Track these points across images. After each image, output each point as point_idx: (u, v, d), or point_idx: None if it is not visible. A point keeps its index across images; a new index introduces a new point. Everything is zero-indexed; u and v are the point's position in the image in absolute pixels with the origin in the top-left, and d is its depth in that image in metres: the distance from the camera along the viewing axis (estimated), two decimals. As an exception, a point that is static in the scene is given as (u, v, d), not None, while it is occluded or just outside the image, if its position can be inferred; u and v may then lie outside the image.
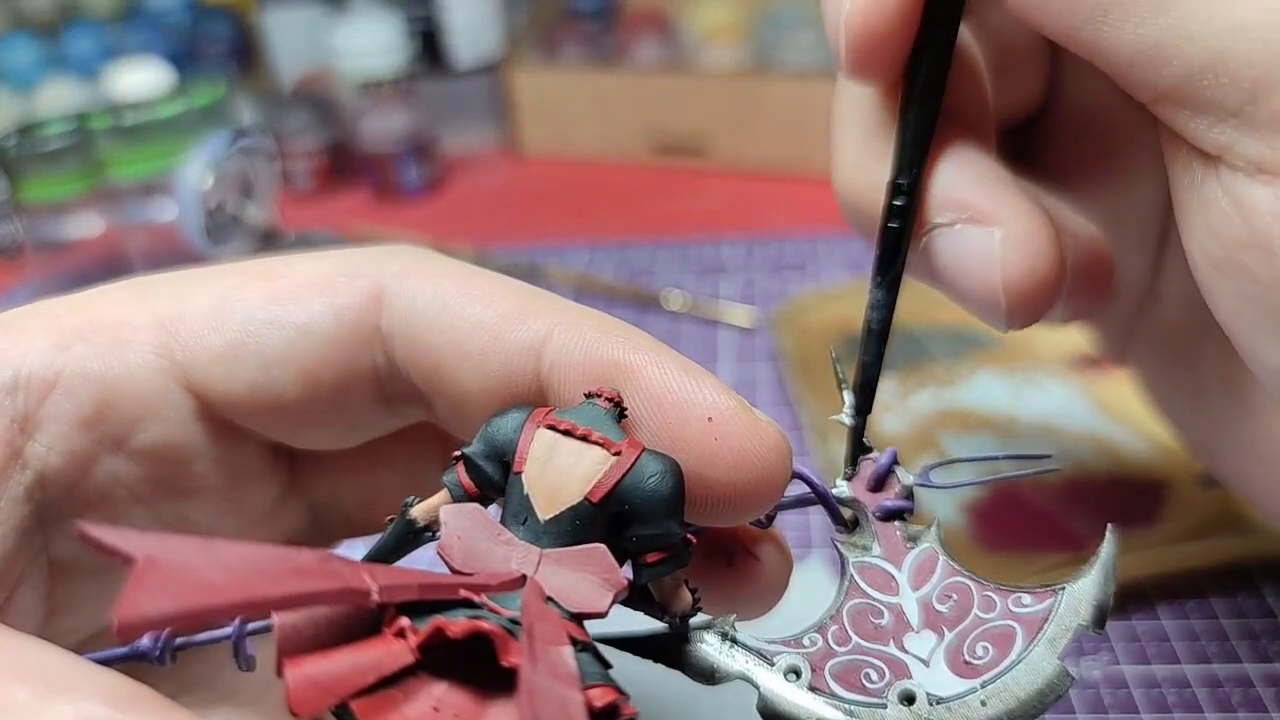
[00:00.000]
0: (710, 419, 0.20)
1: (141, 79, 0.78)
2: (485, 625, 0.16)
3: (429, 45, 0.85)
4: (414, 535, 0.20)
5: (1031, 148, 0.33)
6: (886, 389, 0.50)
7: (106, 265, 0.64)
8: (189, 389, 0.22)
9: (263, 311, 0.21)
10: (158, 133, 0.63)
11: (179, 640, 0.18)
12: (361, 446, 0.24)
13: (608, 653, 0.19)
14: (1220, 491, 0.42)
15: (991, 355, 0.52)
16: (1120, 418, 0.47)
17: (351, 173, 0.84)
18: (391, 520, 0.20)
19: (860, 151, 0.28)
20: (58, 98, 0.86)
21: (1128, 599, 0.40)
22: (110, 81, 0.81)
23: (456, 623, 0.16)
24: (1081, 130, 0.32)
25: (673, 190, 0.80)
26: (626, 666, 0.20)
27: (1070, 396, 0.49)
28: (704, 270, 0.68)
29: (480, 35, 0.86)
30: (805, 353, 0.54)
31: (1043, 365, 0.51)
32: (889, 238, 0.26)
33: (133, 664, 0.19)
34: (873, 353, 0.26)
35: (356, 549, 0.22)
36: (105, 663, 0.17)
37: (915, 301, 0.55)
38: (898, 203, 0.26)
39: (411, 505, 0.20)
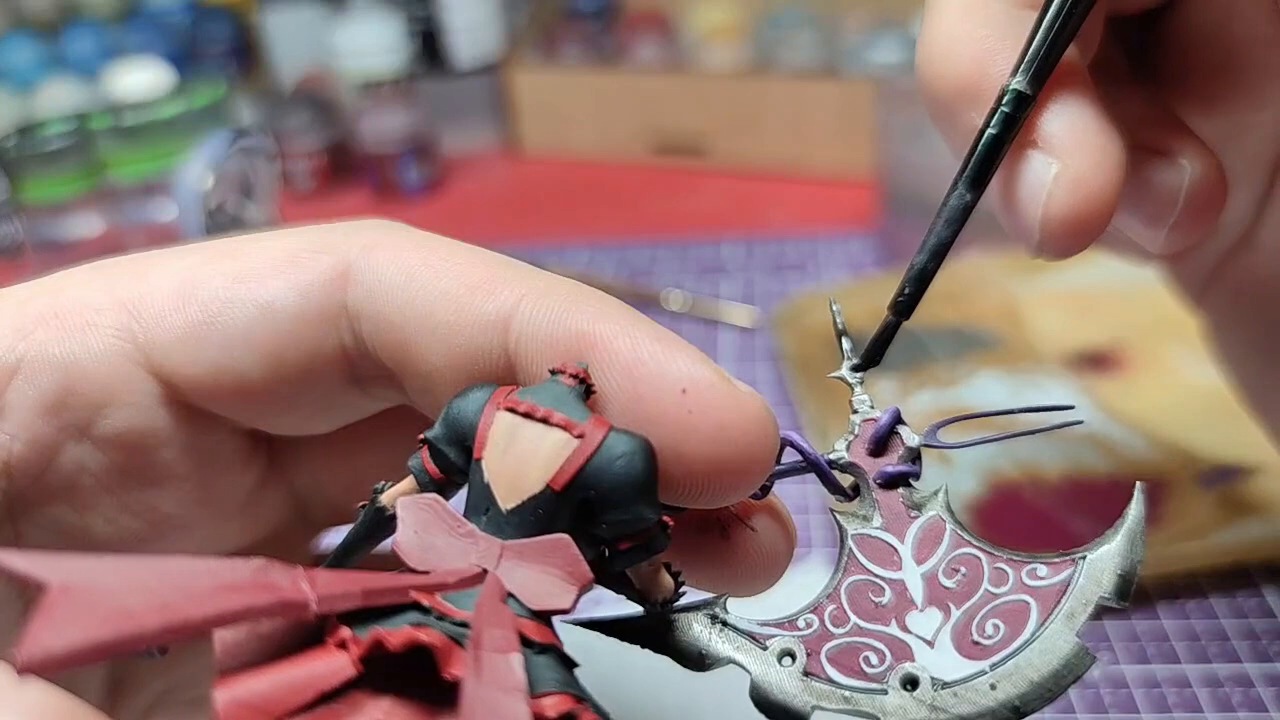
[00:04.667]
0: (684, 390, 0.18)
1: (141, 79, 0.78)
2: (423, 636, 0.15)
3: (429, 45, 0.85)
4: (385, 522, 0.19)
5: (1152, 42, 0.30)
6: (886, 389, 0.50)
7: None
8: (152, 372, 0.21)
9: (225, 291, 0.21)
10: (158, 133, 0.63)
11: None
12: (344, 432, 0.23)
13: (593, 648, 0.18)
14: (1220, 491, 0.42)
15: (991, 355, 0.52)
16: (1120, 418, 0.47)
17: (351, 173, 0.84)
18: (363, 507, 0.20)
19: (970, 36, 0.26)
20: (58, 98, 0.86)
21: (1128, 599, 0.40)
22: (110, 81, 0.81)
23: (395, 633, 0.15)
24: (1211, 35, 0.29)
25: (673, 190, 0.80)
26: (630, 656, 0.20)
27: (1070, 396, 0.49)
28: (704, 270, 0.68)
29: (480, 35, 0.86)
30: (805, 353, 0.54)
31: (1043, 365, 0.51)
32: (991, 143, 0.25)
33: (128, 657, 0.18)
34: (938, 249, 0.24)
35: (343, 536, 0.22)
36: None
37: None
38: (1007, 110, 0.24)
39: (381, 490, 0.19)
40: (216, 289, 0.21)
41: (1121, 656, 0.38)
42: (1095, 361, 0.51)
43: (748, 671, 0.19)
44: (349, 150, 0.83)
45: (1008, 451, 0.46)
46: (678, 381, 0.18)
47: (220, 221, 0.62)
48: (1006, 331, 0.54)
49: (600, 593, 0.20)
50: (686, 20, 0.87)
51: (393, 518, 0.19)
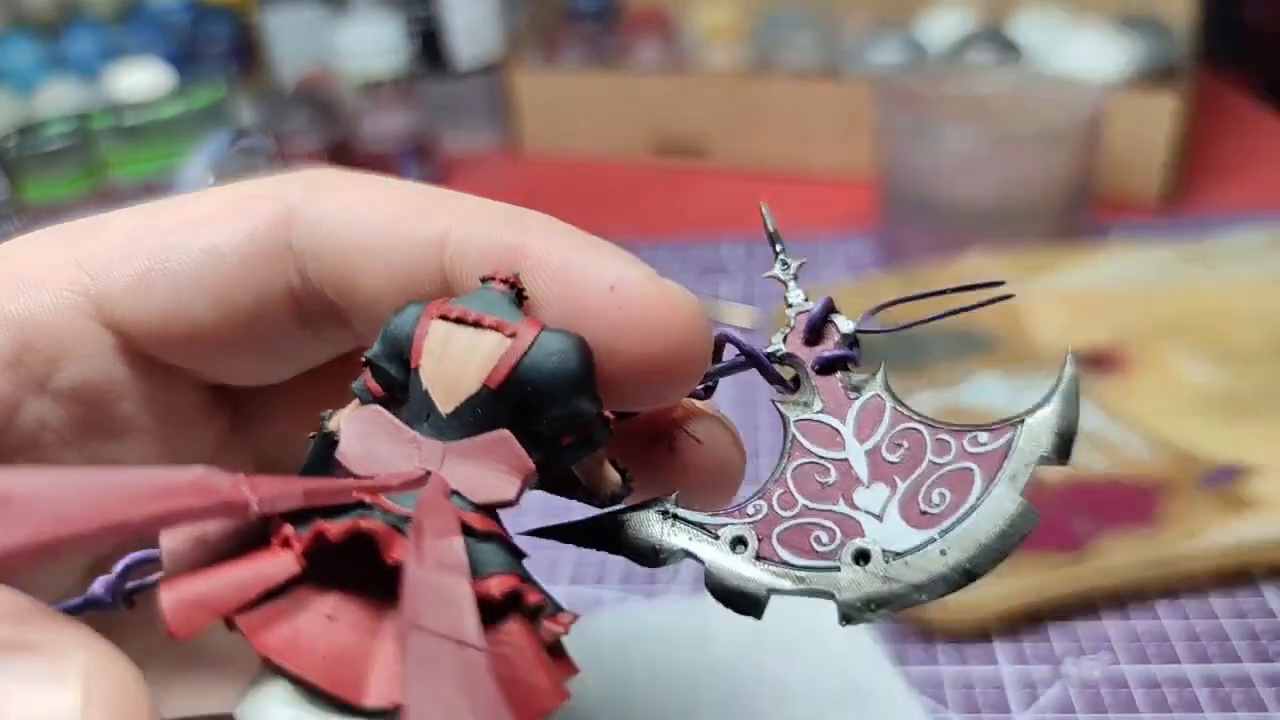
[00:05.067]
0: (613, 287, 0.19)
1: (141, 79, 0.78)
2: (364, 524, 0.16)
3: (429, 45, 0.85)
4: (333, 447, 0.19)
5: None
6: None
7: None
8: (104, 323, 0.21)
9: (172, 237, 0.21)
10: (158, 133, 0.63)
11: (131, 584, 0.18)
12: (306, 390, 0.24)
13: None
14: (1220, 491, 0.42)
15: (991, 356, 0.52)
16: (1120, 418, 0.47)
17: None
18: (313, 437, 0.20)
19: None
20: (58, 98, 0.86)
21: (1128, 599, 0.40)
22: (110, 82, 0.81)
23: (337, 525, 0.16)
24: None
25: (673, 190, 0.80)
26: (632, 653, 0.20)
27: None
28: (704, 270, 0.68)
29: (480, 35, 0.86)
30: (805, 353, 0.54)
31: (1043, 366, 0.51)
32: None
33: (95, 614, 0.18)
34: None
35: None
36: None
37: (915, 301, 0.55)
38: None
39: (328, 419, 0.20)
40: (163, 236, 0.21)
41: (1121, 656, 0.38)
42: (1095, 361, 0.51)
43: (701, 561, 0.19)
44: (349, 150, 0.83)
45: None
46: (605, 280, 0.19)
47: (220, 221, 0.62)
48: (1006, 331, 0.54)
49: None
50: (687, 20, 0.87)
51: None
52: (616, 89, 0.84)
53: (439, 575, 0.15)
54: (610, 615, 0.19)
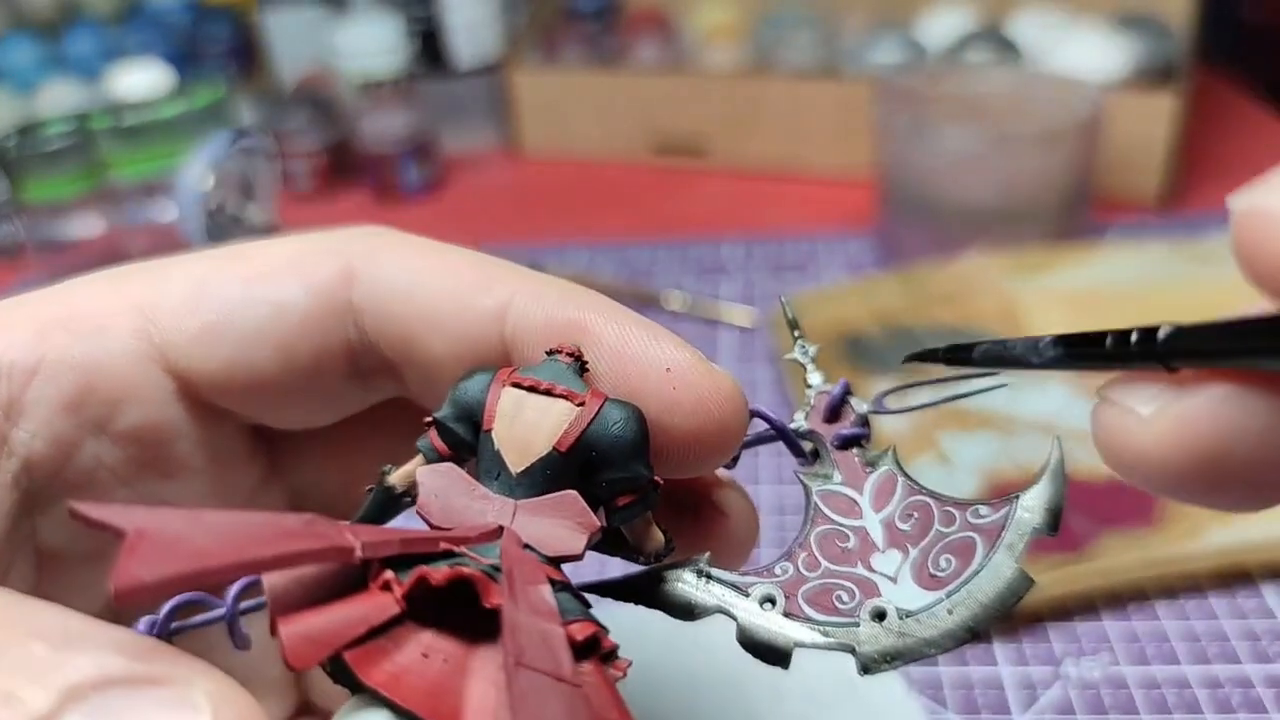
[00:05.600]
0: (669, 369, 0.21)
1: (142, 79, 0.78)
2: (466, 571, 0.17)
3: (429, 45, 0.85)
4: (393, 501, 0.21)
5: None
6: (886, 388, 0.50)
7: (106, 266, 0.64)
8: (168, 370, 0.22)
9: (238, 291, 0.22)
10: (158, 133, 0.63)
11: (174, 625, 0.19)
12: (340, 433, 0.25)
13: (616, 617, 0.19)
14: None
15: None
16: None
17: (351, 173, 0.84)
18: (371, 490, 0.21)
19: None
20: (58, 98, 0.86)
21: (1128, 599, 0.40)
22: (110, 82, 0.81)
23: (439, 570, 0.17)
24: None
25: (673, 190, 0.80)
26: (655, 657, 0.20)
27: (1070, 396, 0.49)
28: (704, 270, 0.68)
29: (480, 35, 0.86)
30: (805, 353, 0.54)
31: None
32: None
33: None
34: None
35: None
36: None
37: (915, 301, 0.55)
38: None
39: (389, 473, 0.21)
40: (229, 291, 0.22)
41: (1121, 657, 0.38)
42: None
43: (733, 618, 0.21)
44: (349, 150, 0.83)
45: (1008, 452, 0.46)
46: (662, 362, 0.21)
47: (220, 222, 0.62)
48: (1006, 331, 0.54)
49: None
50: (686, 20, 0.88)
51: (400, 497, 0.21)
52: (616, 89, 0.84)
53: (535, 619, 0.17)
54: (609, 616, 0.20)
